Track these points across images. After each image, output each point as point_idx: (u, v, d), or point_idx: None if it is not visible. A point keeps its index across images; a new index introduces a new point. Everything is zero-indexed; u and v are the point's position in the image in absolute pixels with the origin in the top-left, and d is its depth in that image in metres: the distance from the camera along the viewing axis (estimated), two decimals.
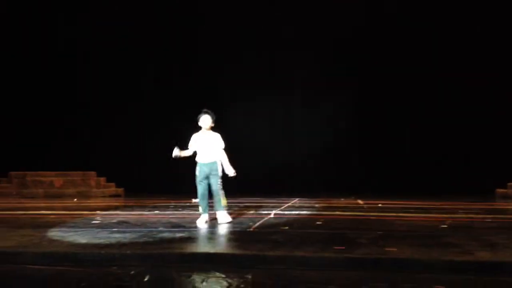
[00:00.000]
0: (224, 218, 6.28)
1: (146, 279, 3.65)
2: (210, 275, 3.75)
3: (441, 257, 3.96)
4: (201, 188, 6.23)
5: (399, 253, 4.13)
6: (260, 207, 8.96)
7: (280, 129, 15.83)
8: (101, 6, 15.63)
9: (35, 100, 15.67)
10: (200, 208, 6.31)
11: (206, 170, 6.21)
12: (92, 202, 11.01)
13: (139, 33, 15.59)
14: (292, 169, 15.39)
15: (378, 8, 14.73)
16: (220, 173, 6.26)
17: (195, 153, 6.37)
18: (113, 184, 14.69)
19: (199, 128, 6.35)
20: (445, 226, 5.99)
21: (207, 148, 6.25)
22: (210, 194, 6.30)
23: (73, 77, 15.85)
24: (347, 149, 15.11)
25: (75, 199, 11.99)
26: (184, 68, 15.96)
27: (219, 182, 6.24)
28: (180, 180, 15.13)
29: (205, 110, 6.34)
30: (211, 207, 6.40)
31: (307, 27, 15.07)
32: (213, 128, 6.40)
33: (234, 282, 3.56)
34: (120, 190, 14.43)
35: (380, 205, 9.39)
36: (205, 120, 6.27)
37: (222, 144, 6.34)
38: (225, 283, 3.52)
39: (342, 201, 10.64)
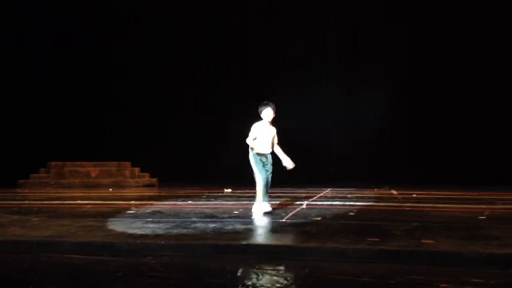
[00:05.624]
0: (268, 208, 6.29)
1: (179, 269, 3.68)
2: (244, 266, 3.76)
3: (481, 250, 3.84)
4: (264, 174, 6.17)
5: (436, 246, 4.03)
6: (292, 197, 8.93)
7: (316, 119, 15.71)
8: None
9: (73, 92, 16.04)
10: (261, 197, 6.19)
11: (264, 160, 6.24)
12: (127, 192, 11.21)
13: (179, 29, 15.82)
14: (323, 159, 15.29)
15: None
16: None
17: None
18: (147, 174, 14.92)
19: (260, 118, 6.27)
20: (483, 217, 5.82)
21: (267, 140, 6.25)
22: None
23: (109, 69, 16.14)
24: (381, 139, 14.88)
25: (111, 189, 12.23)
26: (221, 62, 16.09)
27: None
28: (213, 170, 15.38)
29: (266, 102, 6.28)
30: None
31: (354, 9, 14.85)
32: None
33: (268, 273, 3.55)
34: (154, 180, 14.66)
35: (414, 195, 9.22)
36: (268, 113, 6.24)
37: (277, 139, 6.41)
38: (258, 275, 3.52)
39: (376, 191, 10.49)
